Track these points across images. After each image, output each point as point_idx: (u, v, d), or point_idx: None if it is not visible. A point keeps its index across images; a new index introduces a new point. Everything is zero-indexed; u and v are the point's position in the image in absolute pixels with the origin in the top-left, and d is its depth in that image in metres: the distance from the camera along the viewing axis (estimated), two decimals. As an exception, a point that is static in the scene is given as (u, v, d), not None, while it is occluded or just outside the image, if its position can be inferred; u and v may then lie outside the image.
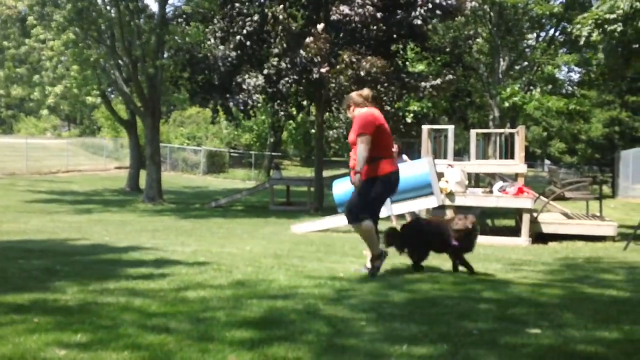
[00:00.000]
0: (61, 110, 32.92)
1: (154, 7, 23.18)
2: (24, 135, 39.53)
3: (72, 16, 17.73)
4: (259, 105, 18.19)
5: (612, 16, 10.94)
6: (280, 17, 15.25)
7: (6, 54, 21.62)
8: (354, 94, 5.60)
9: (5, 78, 22.03)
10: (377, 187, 5.28)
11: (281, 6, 15.38)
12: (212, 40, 17.17)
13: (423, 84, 16.29)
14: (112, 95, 31.49)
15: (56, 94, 21.20)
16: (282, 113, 18.94)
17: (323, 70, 15.20)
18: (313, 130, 26.07)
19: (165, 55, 20.08)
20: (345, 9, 15.20)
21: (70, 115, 47.86)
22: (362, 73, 14.86)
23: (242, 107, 17.10)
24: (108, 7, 19.76)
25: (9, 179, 27.16)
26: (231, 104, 16.95)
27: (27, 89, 22.67)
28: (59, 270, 5.30)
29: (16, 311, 3.66)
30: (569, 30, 18.46)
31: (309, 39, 15.15)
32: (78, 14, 17.63)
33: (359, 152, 5.19)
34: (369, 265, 5.45)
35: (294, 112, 20.52)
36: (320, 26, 15.38)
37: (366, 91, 5.62)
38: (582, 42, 11.89)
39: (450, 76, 16.67)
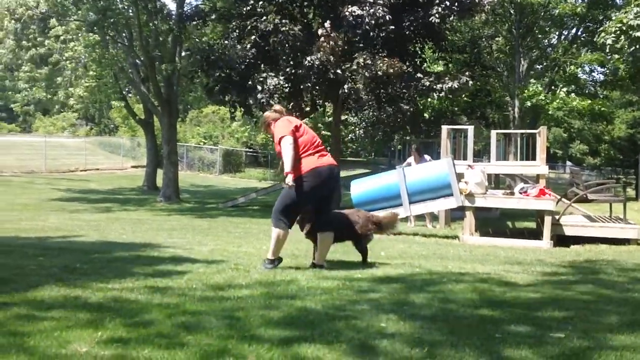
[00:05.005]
0: (77, 109, 33.47)
1: (172, 6, 23.27)
2: (43, 134, 39.91)
3: (93, 16, 17.89)
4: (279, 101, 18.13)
5: (637, 22, 10.82)
6: (283, 28, 15.18)
7: (27, 54, 21.99)
8: (268, 113, 5.80)
9: (28, 79, 22.41)
10: (301, 187, 5.34)
11: (279, 16, 15.32)
12: (229, 40, 17.22)
13: (439, 85, 16.16)
14: (130, 95, 31.76)
15: (79, 96, 21.48)
16: (296, 112, 18.93)
17: (339, 71, 15.15)
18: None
19: (183, 54, 20.19)
20: (355, 9, 15.09)
21: (87, 113, 48.29)
22: (379, 73, 14.76)
23: (265, 106, 17.00)
24: (126, 7, 19.91)
25: (28, 177, 27.48)
26: (251, 101, 16.91)
27: (48, 90, 23.01)
28: (78, 267, 5.32)
29: (37, 308, 3.67)
30: (591, 29, 18.23)
31: (321, 39, 15.11)
32: (99, 14, 17.78)
33: (284, 154, 5.30)
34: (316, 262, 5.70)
35: (307, 110, 20.44)
36: (327, 24, 15.28)
37: (278, 106, 5.86)
38: (607, 50, 11.78)
39: (466, 78, 16.46)
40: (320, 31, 15.33)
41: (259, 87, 15.80)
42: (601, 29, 12.31)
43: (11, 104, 53.67)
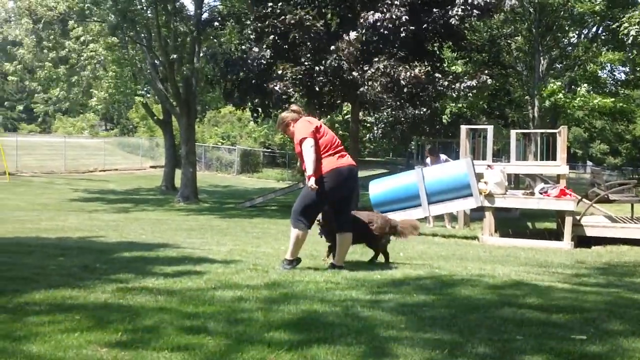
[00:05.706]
0: (98, 110, 33.85)
1: (191, 7, 23.42)
2: (62, 135, 40.36)
3: (113, 17, 18.06)
4: (297, 97, 18.06)
5: None
6: (308, 23, 15.15)
7: (48, 56, 22.18)
8: (285, 113, 5.81)
9: (46, 78, 22.59)
10: (321, 187, 5.37)
11: (303, 12, 15.28)
12: (247, 43, 17.26)
13: (457, 84, 16.03)
14: (148, 95, 32.00)
15: (101, 98, 21.66)
16: (315, 111, 18.90)
17: (355, 74, 15.08)
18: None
19: (201, 55, 20.29)
20: (373, 15, 14.94)
21: (107, 114, 48.75)
22: (402, 83, 14.67)
23: (283, 97, 16.93)
24: (145, 8, 20.06)
25: (48, 178, 27.79)
26: (268, 101, 16.88)
27: (66, 89, 23.21)
28: (98, 268, 5.35)
29: (57, 308, 3.69)
30: (613, 26, 17.92)
31: (341, 44, 15.03)
32: (119, 16, 17.93)
33: (306, 156, 5.32)
34: (331, 261, 5.83)
35: (325, 110, 20.42)
36: (352, 35, 15.13)
37: (295, 107, 5.88)
38: (629, 42, 11.64)
39: (486, 77, 16.28)
40: (345, 37, 15.18)
41: (278, 78, 15.75)
42: (624, 18, 12.09)
43: (31, 104, 54.28)
